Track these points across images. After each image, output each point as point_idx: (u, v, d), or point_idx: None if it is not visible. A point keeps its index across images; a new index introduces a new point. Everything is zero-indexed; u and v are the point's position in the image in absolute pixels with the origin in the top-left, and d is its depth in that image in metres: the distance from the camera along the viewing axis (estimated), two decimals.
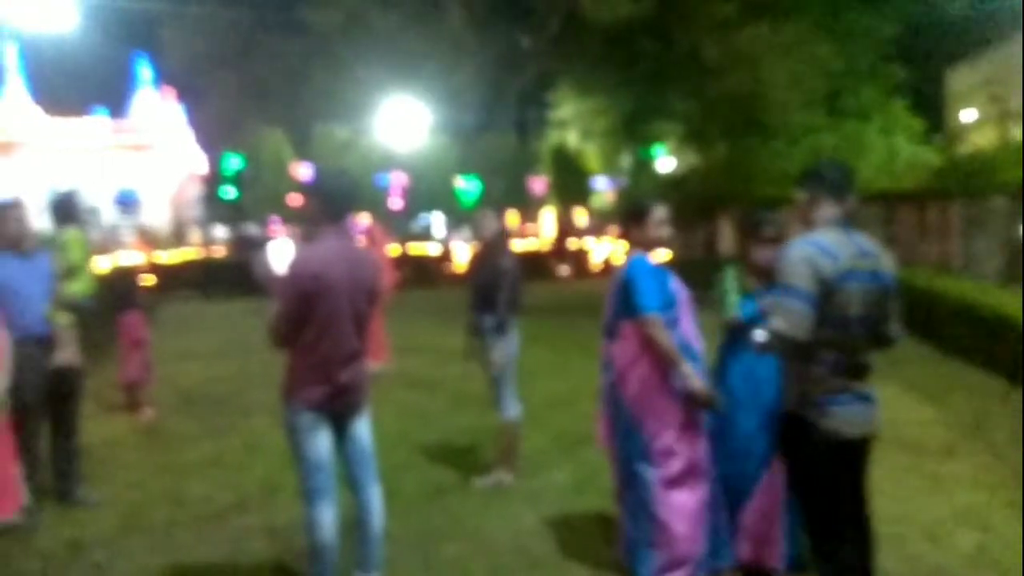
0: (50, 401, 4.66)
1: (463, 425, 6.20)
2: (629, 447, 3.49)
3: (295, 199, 29.88)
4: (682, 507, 3.39)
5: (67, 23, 19.98)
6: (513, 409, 4.84)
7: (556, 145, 31.89)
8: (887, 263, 2.81)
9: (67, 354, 4.69)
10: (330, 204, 3.27)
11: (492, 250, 4.87)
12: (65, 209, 5.41)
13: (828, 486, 2.78)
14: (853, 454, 2.81)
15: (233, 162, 32.35)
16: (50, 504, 4.61)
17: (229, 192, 34.61)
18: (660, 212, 3.62)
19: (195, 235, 20.91)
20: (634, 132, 24.63)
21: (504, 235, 5.08)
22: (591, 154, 30.16)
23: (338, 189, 3.31)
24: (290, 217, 26.20)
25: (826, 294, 2.64)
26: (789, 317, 2.63)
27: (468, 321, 4.88)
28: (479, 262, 4.97)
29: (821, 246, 2.68)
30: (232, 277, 16.24)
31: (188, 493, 4.85)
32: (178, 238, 20.79)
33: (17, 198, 4.63)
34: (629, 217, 3.71)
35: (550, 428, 5.98)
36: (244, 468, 5.32)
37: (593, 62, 22.11)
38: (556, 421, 6.23)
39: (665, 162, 27.22)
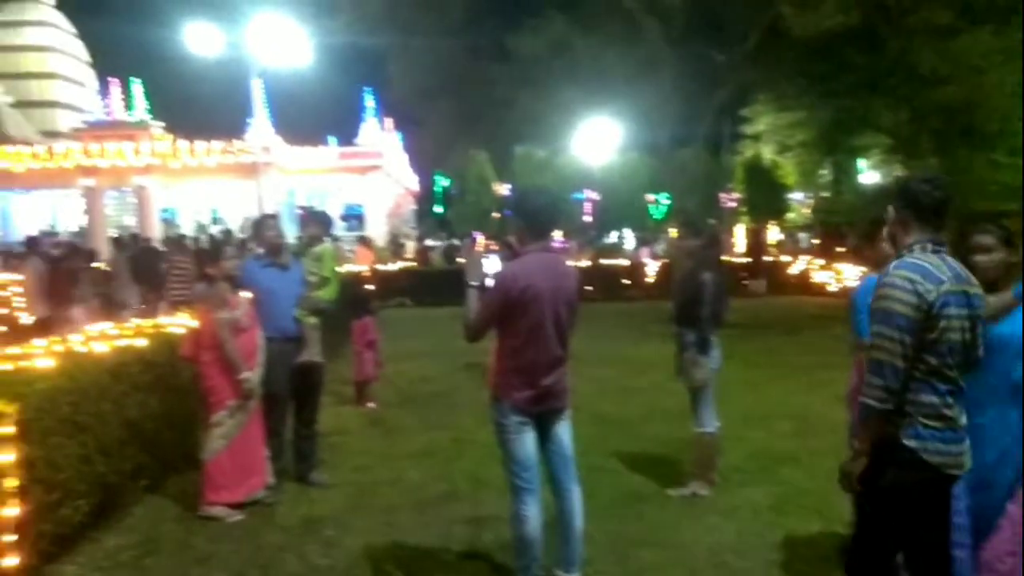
0: (296, 392, 5.36)
1: (658, 435, 6.29)
2: None
3: (497, 216, 31.40)
4: None
5: (304, 60, 22.47)
6: (711, 423, 4.88)
7: (750, 159, 30.96)
8: (978, 287, 2.63)
9: (312, 352, 5.39)
10: (533, 221, 3.55)
11: (696, 264, 4.92)
12: (322, 225, 6.16)
13: (917, 524, 2.61)
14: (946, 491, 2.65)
15: (442, 182, 34.75)
16: (290, 483, 5.26)
17: (438, 209, 37.27)
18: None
19: (409, 247, 22.53)
20: (835, 145, 23.36)
21: (710, 248, 5.11)
22: (787, 168, 28.95)
23: (541, 207, 3.58)
24: (492, 232, 27.52)
25: (927, 320, 2.49)
26: (887, 345, 2.50)
27: (676, 336, 4.96)
28: (682, 276, 5.04)
29: (923, 270, 2.53)
30: (441, 285, 17.36)
31: (406, 480, 5.34)
32: (394, 250, 22.49)
33: (275, 211, 5.40)
34: (862, 235, 3.65)
35: (746, 445, 5.93)
36: (454, 460, 5.76)
37: (792, 74, 21.34)
38: (752, 438, 6.15)
39: (867, 176, 25.51)
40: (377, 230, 28.03)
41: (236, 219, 27.89)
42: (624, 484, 5.16)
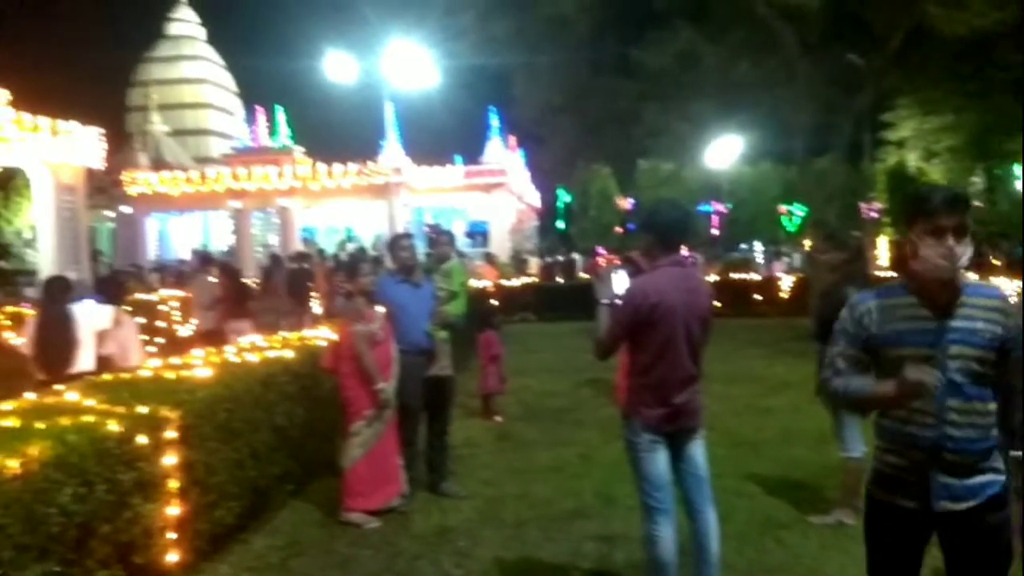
0: (427, 404, 5.51)
1: (796, 458, 6.00)
2: None
3: (619, 230, 31.23)
4: None
5: (432, 83, 23.29)
6: (858, 447, 4.61)
7: (893, 167, 29.24)
8: None
9: (443, 365, 5.53)
10: (664, 235, 3.48)
11: (840, 278, 4.69)
12: (450, 244, 6.35)
13: None
14: None
15: (564, 198, 35.00)
16: (422, 493, 5.39)
17: (560, 225, 37.54)
18: None
19: (531, 263, 22.78)
20: (987, 150, 21.68)
21: (855, 261, 4.86)
22: (934, 176, 27.16)
23: (672, 221, 3.51)
24: (614, 247, 27.35)
25: None
26: None
27: (816, 354, 4.74)
28: (824, 291, 4.81)
29: None
30: (563, 300, 17.44)
31: (534, 495, 5.35)
32: (517, 266, 22.80)
33: (409, 231, 5.60)
34: None
35: None
36: (581, 477, 5.72)
37: (939, 77, 19.97)
38: None
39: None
40: (500, 246, 28.50)
41: (368, 237, 29.16)
42: (761, 509, 4.95)
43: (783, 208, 33.39)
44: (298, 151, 29.72)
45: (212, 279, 9.82)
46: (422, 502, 5.27)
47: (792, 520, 4.75)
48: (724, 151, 27.85)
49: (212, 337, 8.13)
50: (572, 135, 23.02)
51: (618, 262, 11.68)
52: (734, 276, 18.22)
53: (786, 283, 17.79)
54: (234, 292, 9.37)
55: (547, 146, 28.45)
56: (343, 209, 30.84)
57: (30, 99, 15.33)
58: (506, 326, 14.00)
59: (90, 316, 5.58)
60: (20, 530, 2.83)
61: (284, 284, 10.77)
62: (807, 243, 19.67)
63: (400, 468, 5.20)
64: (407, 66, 22.78)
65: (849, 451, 4.61)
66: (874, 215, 30.61)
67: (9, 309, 9.39)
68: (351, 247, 22.74)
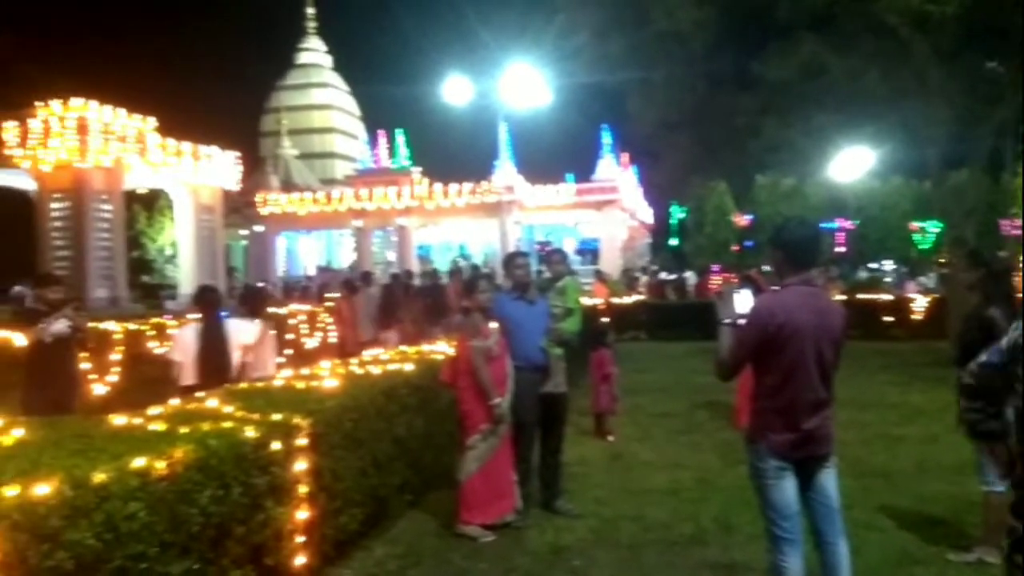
0: (541, 421, 5.52)
1: (932, 491, 5.61)
2: None
3: (736, 248, 30.39)
4: None
5: (545, 102, 23.58)
6: (1002, 482, 4.26)
7: None
8: None
9: (557, 382, 5.54)
10: (794, 254, 3.35)
11: (984, 299, 4.36)
12: (564, 262, 6.38)
13: None
14: None
15: (678, 214, 34.47)
16: (535, 509, 5.39)
17: (673, 242, 36.98)
18: None
19: (643, 280, 22.54)
20: None
21: (1000, 280, 4.51)
22: None
23: (802, 239, 3.38)
24: (730, 265, 26.64)
25: None
26: None
27: (957, 380, 4.44)
28: (967, 313, 4.50)
29: None
30: (676, 319, 17.14)
31: (650, 517, 5.24)
32: (628, 283, 22.58)
33: (522, 249, 5.67)
34: None
35: None
36: (699, 501, 5.56)
37: None
38: None
39: None
40: (611, 263, 28.33)
41: (479, 254, 29.68)
42: (895, 543, 4.65)
43: (915, 225, 31.53)
44: (416, 172, 30.72)
45: (374, 293, 11.01)
46: (536, 519, 5.27)
47: (928, 556, 4.44)
48: (851, 164, 26.58)
49: (370, 345, 8.81)
50: (687, 151, 22.54)
51: (735, 280, 11.40)
52: (862, 296, 17.31)
53: (919, 304, 16.74)
54: (389, 305, 10.34)
55: (661, 162, 28.07)
56: (456, 227, 31.57)
57: (174, 126, 16.63)
58: (617, 344, 13.89)
59: (240, 330, 5.92)
60: (164, 528, 3.03)
61: (419, 298, 11.42)
62: (941, 261, 18.43)
63: (514, 483, 5.23)
64: (522, 87, 23.14)
65: (992, 485, 4.27)
66: (1016, 232, 28.42)
67: (153, 320, 10.13)
68: (463, 264, 23.23)
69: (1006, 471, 2.49)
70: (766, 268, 13.41)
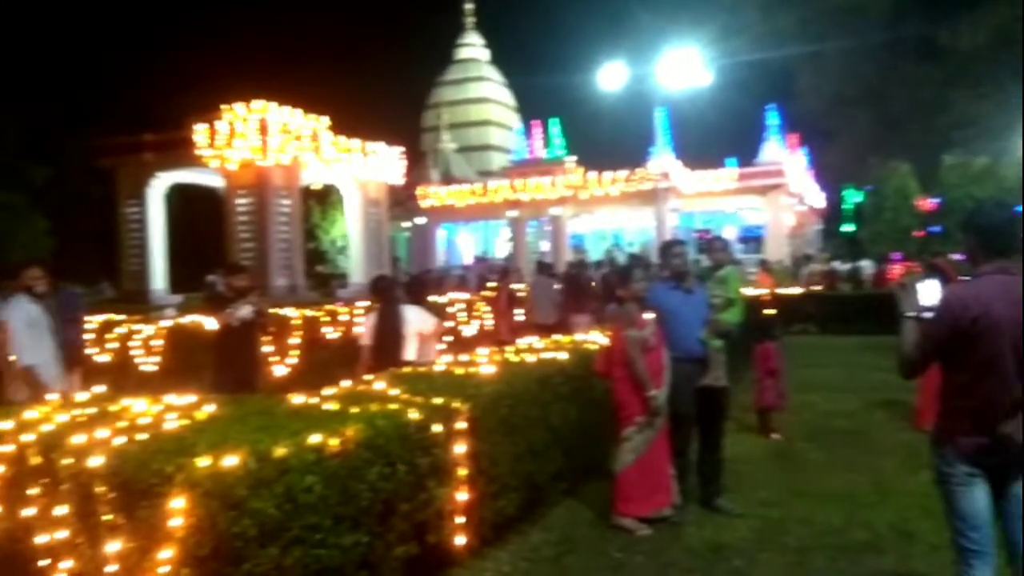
0: (700, 415, 5.35)
1: None
2: None
3: (919, 234, 28.02)
4: None
5: (705, 83, 22.83)
6: None
7: None
8: None
9: (716, 375, 5.35)
10: (990, 239, 3.05)
11: None
12: (725, 250, 6.15)
13: None
14: None
15: (853, 198, 32.21)
16: (693, 505, 5.25)
17: (847, 228, 34.63)
18: None
19: (812, 270, 21.26)
20: None
21: None
22: None
23: (1000, 223, 3.06)
24: (913, 253, 24.59)
25: None
26: None
27: None
28: None
29: None
30: (849, 312, 16.14)
31: (819, 521, 4.95)
32: (795, 272, 21.43)
33: (679, 237, 5.51)
34: None
35: None
36: (874, 506, 5.20)
37: None
38: None
39: None
40: (777, 252, 27.00)
41: (634, 243, 29.27)
42: None
43: None
44: (570, 161, 30.74)
45: (552, 281, 11.93)
46: (694, 515, 5.13)
47: None
48: None
49: (555, 328, 9.33)
50: (865, 129, 20.87)
51: (920, 270, 10.45)
52: None
53: None
54: (575, 291, 11.21)
55: (835, 142, 26.25)
56: (611, 216, 31.31)
57: (344, 124, 17.59)
58: (785, 338, 13.28)
59: (418, 319, 6.17)
60: (337, 501, 3.22)
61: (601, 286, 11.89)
62: None
63: (671, 478, 5.12)
64: (680, 69, 22.52)
65: None
66: None
67: (327, 307, 10.80)
68: (617, 253, 22.97)
69: None
70: (954, 256, 12.22)
